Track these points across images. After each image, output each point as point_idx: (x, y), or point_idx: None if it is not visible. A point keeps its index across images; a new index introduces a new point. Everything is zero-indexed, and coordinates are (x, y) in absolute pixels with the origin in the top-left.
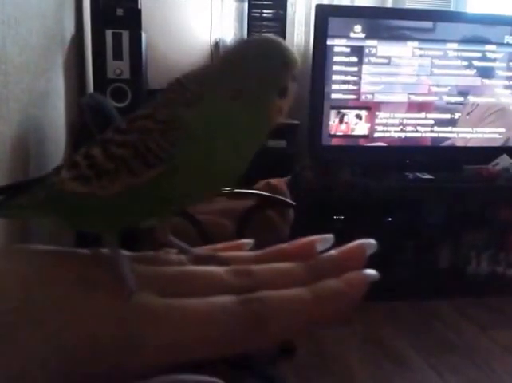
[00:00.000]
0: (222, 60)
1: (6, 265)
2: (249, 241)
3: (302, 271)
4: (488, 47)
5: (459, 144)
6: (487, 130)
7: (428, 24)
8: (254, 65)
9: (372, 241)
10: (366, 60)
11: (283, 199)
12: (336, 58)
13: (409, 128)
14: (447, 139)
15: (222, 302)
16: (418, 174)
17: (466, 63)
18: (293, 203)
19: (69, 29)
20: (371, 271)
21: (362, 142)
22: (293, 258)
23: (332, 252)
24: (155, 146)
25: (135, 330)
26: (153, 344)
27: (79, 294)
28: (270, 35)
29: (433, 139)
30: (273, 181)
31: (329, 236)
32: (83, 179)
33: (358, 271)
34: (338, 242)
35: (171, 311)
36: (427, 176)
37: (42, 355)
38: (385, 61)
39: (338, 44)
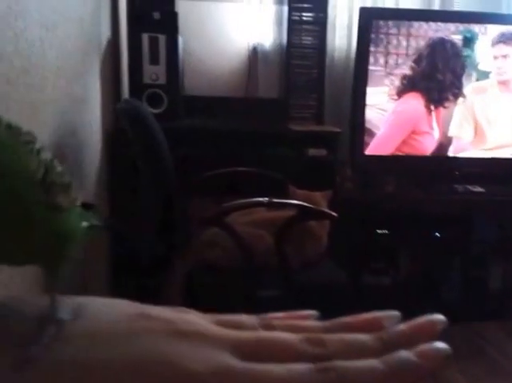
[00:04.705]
0: None
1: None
2: (313, 312)
3: (373, 343)
4: None
5: None
6: None
7: (479, 27)
8: None
9: (442, 317)
10: None
11: (324, 210)
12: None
13: None
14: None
15: (300, 369)
16: (468, 186)
17: None
18: (335, 215)
19: (106, 33)
20: (442, 345)
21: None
22: (360, 331)
23: (402, 326)
24: None
25: None
26: None
27: (170, 346)
28: None
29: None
30: (310, 194)
31: (396, 314)
32: None
33: (431, 344)
34: (381, 258)
35: (254, 375)
36: (478, 189)
37: None
38: None
39: (380, 50)
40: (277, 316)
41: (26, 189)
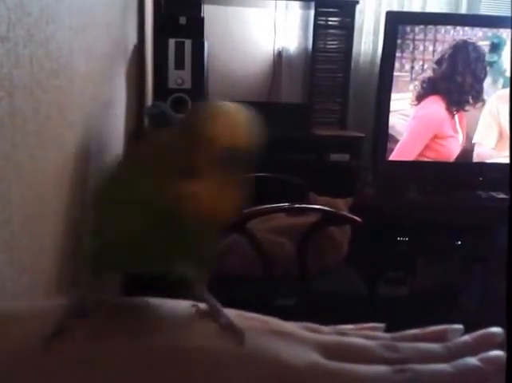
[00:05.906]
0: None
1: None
2: (381, 324)
3: (441, 350)
4: None
5: None
6: None
7: (507, 32)
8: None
9: (500, 329)
10: None
11: (348, 215)
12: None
13: None
14: None
15: (381, 369)
16: (492, 193)
17: None
18: (359, 220)
19: (132, 38)
20: (502, 352)
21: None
22: (426, 342)
23: (466, 337)
24: None
25: None
26: None
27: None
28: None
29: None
30: (331, 201)
31: (460, 327)
32: None
33: (491, 352)
34: (401, 266)
35: (343, 372)
36: (502, 196)
37: None
38: None
39: (406, 56)
40: (348, 327)
41: None
